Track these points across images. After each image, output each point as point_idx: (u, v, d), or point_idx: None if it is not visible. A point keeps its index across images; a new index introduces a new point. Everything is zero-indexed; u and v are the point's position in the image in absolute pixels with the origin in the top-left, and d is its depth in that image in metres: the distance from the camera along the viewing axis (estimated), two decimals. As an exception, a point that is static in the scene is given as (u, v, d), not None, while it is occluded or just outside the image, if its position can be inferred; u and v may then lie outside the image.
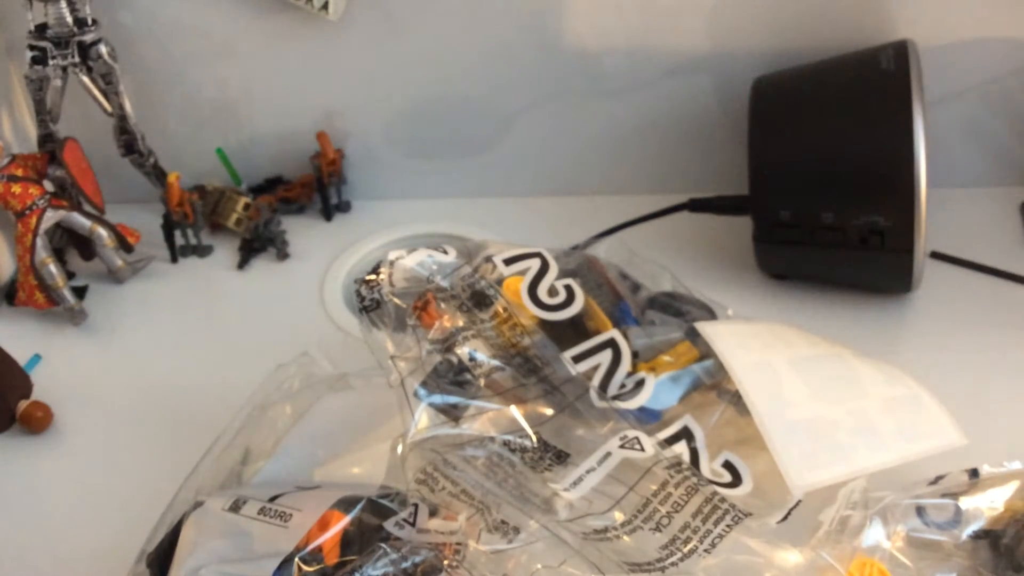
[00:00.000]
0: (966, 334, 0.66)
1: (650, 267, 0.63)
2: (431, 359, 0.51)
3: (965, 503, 0.46)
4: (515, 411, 0.50)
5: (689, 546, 0.45)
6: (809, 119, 0.66)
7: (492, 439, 0.49)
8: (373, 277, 0.54)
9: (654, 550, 0.45)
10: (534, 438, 0.49)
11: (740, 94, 0.73)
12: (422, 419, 0.48)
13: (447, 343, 0.51)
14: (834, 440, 0.51)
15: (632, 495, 0.47)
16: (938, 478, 0.48)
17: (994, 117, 0.78)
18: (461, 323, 0.52)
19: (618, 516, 0.47)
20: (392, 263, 0.55)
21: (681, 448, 0.51)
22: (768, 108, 0.68)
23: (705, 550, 0.45)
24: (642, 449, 0.49)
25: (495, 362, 0.51)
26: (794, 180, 0.66)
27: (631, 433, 0.50)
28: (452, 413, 0.49)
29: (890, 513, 0.46)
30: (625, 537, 0.46)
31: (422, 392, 0.49)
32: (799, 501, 0.48)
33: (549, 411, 0.51)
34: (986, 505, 0.46)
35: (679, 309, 0.60)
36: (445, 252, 0.56)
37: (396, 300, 0.53)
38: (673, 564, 0.44)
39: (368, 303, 0.53)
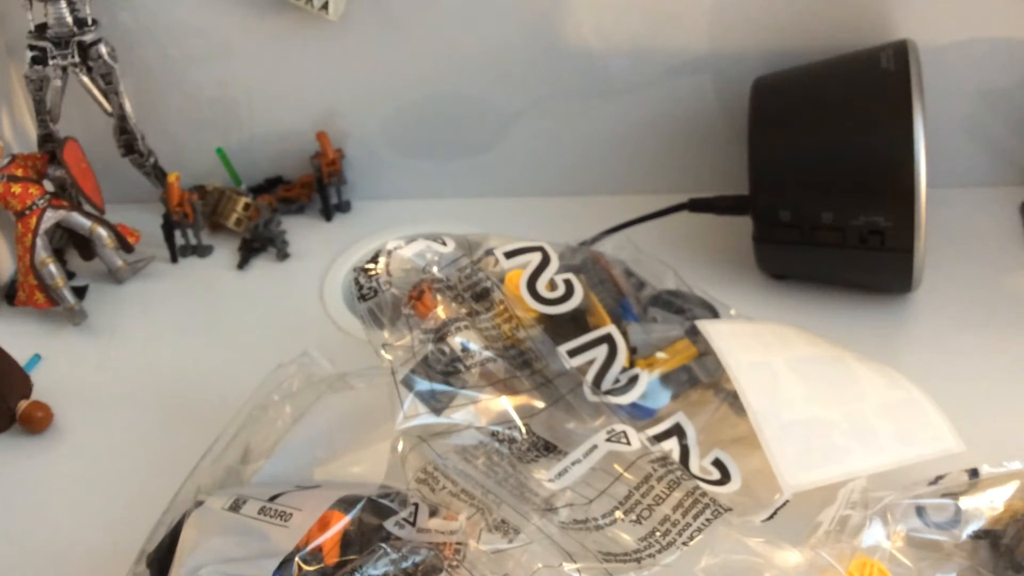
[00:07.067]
0: (966, 334, 0.66)
1: (655, 265, 0.63)
2: (423, 348, 0.51)
3: (965, 503, 0.46)
4: (505, 402, 0.50)
5: (668, 539, 0.45)
6: (809, 119, 0.66)
7: (480, 428, 0.49)
8: (371, 266, 0.54)
9: (633, 541, 0.45)
10: (523, 429, 0.49)
11: (740, 94, 0.73)
12: (411, 407, 0.48)
13: (439, 333, 0.51)
14: (829, 442, 0.51)
15: (615, 487, 0.47)
16: (938, 478, 0.48)
17: (994, 117, 0.78)
18: (455, 313, 0.52)
19: (599, 507, 0.47)
20: (390, 252, 0.55)
21: (672, 444, 0.51)
22: (768, 108, 0.68)
23: (683, 543, 0.45)
24: (628, 443, 0.49)
25: (488, 353, 0.51)
26: (794, 180, 0.66)
27: (619, 427, 0.50)
28: (436, 403, 0.49)
29: (890, 513, 0.46)
30: (605, 527, 0.46)
31: (411, 379, 0.49)
32: (786, 501, 0.48)
33: (540, 404, 0.51)
34: (986, 505, 0.46)
35: (681, 307, 0.60)
36: (444, 243, 0.56)
37: (393, 289, 0.53)
38: (650, 556, 0.44)
39: (366, 291, 0.53)
